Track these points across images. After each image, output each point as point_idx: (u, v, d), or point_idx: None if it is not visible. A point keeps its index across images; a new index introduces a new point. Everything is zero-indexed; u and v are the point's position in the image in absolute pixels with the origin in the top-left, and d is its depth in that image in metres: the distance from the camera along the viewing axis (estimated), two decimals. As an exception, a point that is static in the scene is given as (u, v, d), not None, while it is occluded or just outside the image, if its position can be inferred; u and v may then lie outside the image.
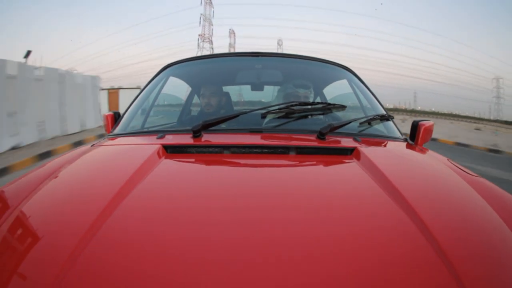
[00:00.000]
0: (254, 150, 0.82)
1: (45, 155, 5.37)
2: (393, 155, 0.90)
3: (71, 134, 8.04)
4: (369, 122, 1.08)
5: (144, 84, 1.41)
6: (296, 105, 1.00)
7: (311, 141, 0.88)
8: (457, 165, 0.86)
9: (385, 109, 1.25)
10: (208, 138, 0.89)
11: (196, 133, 0.89)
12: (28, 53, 8.16)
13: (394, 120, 1.19)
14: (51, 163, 0.84)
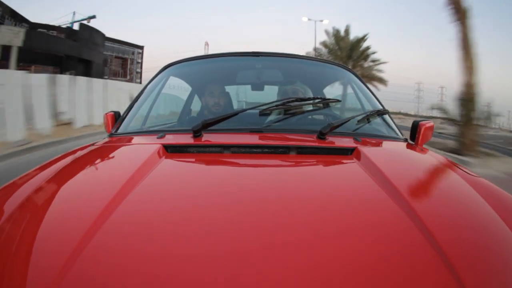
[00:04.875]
0: (255, 150, 0.81)
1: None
2: (394, 155, 0.90)
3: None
4: (370, 122, 1.08)
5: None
6: (293, 101, 1.00)
7: (312, 141, 0.87)
8: (457, 165, 0.86)
9: (386, 109, 1.24)
10: (209, 138, 0.88)
11: (197, 133, 0.88)
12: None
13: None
14: (51, 163, 0.82)
